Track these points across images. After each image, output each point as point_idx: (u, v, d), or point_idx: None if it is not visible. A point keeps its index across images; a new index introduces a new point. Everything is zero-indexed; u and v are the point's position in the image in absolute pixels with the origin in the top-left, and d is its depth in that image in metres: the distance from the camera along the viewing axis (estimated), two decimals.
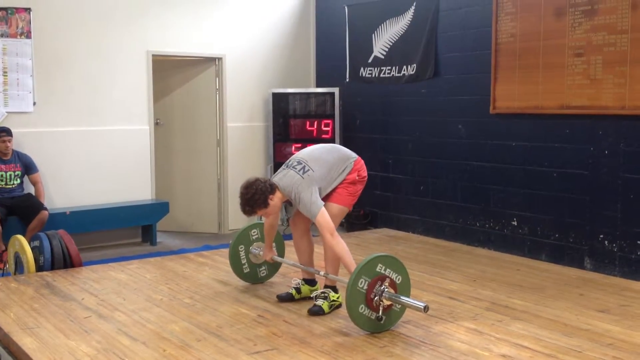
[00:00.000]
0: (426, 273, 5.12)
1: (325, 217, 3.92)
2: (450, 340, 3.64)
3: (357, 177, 4.23)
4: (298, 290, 4.38)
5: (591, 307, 4.26)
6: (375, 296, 3.70)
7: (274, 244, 4.63)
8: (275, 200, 4.05)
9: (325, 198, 4.12)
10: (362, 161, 4.34)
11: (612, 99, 5.23)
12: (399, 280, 3.80)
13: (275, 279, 4.88)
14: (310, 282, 4.42)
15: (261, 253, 4.64)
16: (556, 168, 5.68)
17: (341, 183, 4.18)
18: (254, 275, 4.77)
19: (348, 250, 3.92)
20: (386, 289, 3.71)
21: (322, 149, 4.30)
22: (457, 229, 6.58)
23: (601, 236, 5.36)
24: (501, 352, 3.48)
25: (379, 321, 3.73)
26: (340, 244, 3.92)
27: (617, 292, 4.66)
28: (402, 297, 3.76)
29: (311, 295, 4.26)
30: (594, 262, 5.41)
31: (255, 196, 3.99)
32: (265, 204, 4.01)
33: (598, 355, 3.43)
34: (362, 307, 3.70)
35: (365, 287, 3.68)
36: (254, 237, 4.74)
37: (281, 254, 4.80)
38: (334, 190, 4.17)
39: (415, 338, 3.68)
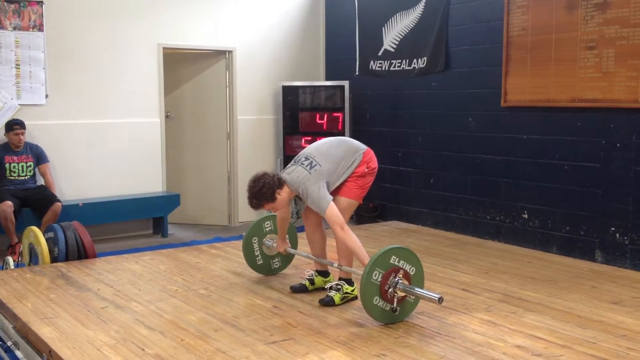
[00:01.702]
0: (438, 265, 5.15)
1: (334, 212, 3.94)
2: (465, 331, 3.66)
3: (366, 170, 4.22)
4: (311, 281, 4.41)
5: (604, 299, 4.28)
6: (389, 288, 3.72)
7: (286, 236, 4.66)
8: (283, 195, 4.07)
9: (335, 192, 4.14)
10: (372, 152, 4.33)
11: (624, 92, 5.23)
12: (412, 271, 3.82)
13: (288, 270, 4.91)
14: (324, 273, 4.45)
15: (274, 245, 4.67)
16: (568, 161, 5.69)
17: (350, 176, 4.18)
18: (267, 266, 4.80)
19: (360, 243, 3.95)
20: (400, 281, 3.74)
21: (330, 142, 4.29)
22: (467, 221, 6.59)
23: (612, 229, 5.37)
24: (516, 342, 3.50)
25: (393, 312, 3.76)
26: (351, 237, 3.94)
27: (630, 284, 4.68)
28: (416, 289, 3.79)
29: (325, 287, 4.29)
30: (605, 254, 5.43)
31: (262, 190, 4.01)
32: (272, 198, 4.03)
33: (612, 347, 3.46)
34: (376, 299, 3.72)
35: (379, 279, 3.71)
36: (267, 229, 4.77)
37: (294, 245, 4.83)
38: (343, 183, 4.18)
39: (430, 329, 3.71)
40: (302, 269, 4.88)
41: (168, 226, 7.33)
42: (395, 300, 3.74)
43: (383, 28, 7.46)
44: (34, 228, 5.29)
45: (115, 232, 7.14)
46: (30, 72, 6.58)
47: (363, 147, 4.31)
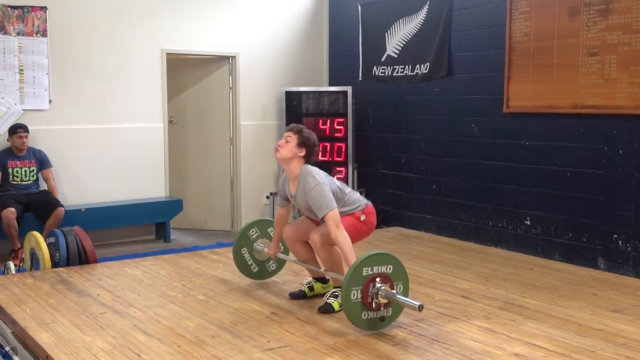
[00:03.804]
0: (439, 272, 5.13)
1: (335, 213, 3.91)
2: (463, 339, 3.65)
3: (362, 218, 4.17)
4: (310, 288, 4.40)
5: (605, 307, 4.25)
6: (372, 299, 3.68)
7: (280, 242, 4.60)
8: (296, 150, 4.03)
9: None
10: (374, 209, 4.29)
11: (626, 99, 5.21)
12: (389, 270, 3.76)
13: (288, 277, 4.90)
14: (323, 280, 4.44)
15: (265, 249, 4.62)
16: (570, 167, 5.67)
17: (348, 214, 4.12)
18: (264, 271, 4.78)
19: (351, 244, 3.88)
20: (381, 287, 3.68)
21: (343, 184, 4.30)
22: (469, 228, 6.57)
23: (615, 236, 5.34)
24: (514, 351, 3.48)
25: (381, 321, 3.74)
26: (344, 235, 3.88)
27: (631, 292, 4.65)
28: (397, 296, 3.72)
29: (323, 295, 4.27)
30: (607, 262, 5.40)
31: (308, 134, 4.06)
32: (304, 143, 4.02)
33: (611, 355, 3.43)
34: (364, 314, 3.70)
35: (359, 297, 3.67)
36: (253, 237, 4.72)
37: (286, 251, 4.79)
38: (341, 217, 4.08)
39: (428, 336, 3.69)
40: (302, 275, 4.87)
41: (170, 231, 7.34)
42: (382, 307, 3.70)
43: (386, 34, 7.46)
44: (35, 233, 5.30)
45: (117, 237, 7.16)
46: (33, 77, 6.61)
47: (366, 201, 4.28)
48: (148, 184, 7.34)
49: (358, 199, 4.22)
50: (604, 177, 5.41)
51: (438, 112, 6.93)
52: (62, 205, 6.34)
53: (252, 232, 4.74)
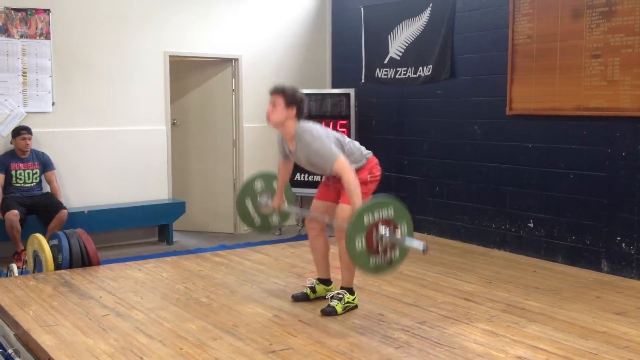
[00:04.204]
0: (442, 274, 5.12)
1: (344, 162, 3.89)
2: (466, 342, 3.64)
3: (369, 177, 4.16)
4: (313, 289, 4.39)
5: (608, 310, 4.24)
6: (377, 245, 3.68)
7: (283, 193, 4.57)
8: (288, 113, 3.99)
9: (338, 199, 4.12)
10: (376, 160, 4.28)
11: (629, 101, 5.20)
12: (390, 213, 3.75)
13: (291, 279, 4.90)
14: (325, 281, 4.43)
15: (269, 202, 4.56)
16: (573, 170, 5.65)
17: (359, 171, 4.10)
18: (266, 224, 4.69)
19: (359, 189, 3.86)
20: (384, 233, 3.68)
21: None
22: (472, 230, 6.56)
23: (618, 238, 5.33)
24: (517, 354, 3.48)
25: (389, 264, 3.76)
26: (355, 181, 3.86)
27: (635, 294, 4.64)
28: (401, 240, 3.73)
29: (326, 296, 4.27)
30: (611, 264, 5.38)
31: (292, 90, 4.02)
32: (286, 100, 3.98)
33: (614, 358, 3.43)
34: (372, 261, 3.70)
35: (364, 245, 3.65)
36: (257, 189, 4.64)
37: (289, 202, 4.70)
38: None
39: (431, 339, 3.68)
40: (305, 277, 4.87)
41: (173, 233, 7.34)
42: (388, 250, 3.71)
43: (389, 36, 7.45)
44: (38, 235, 5.31)
45: (120, 240, 7.16)
46: (37, 79, 6.62)
47: (367, 152, 4.25)
48: (151, 186, 7.34)
49: (359, 150, 4.18)
50: (607, 180, 5.40)
51: (441, 114, 6.92)
52: (65, 208, 6.35)
53: (257, 183, 4.65)
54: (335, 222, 4.08)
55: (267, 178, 4.68)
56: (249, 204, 4.62)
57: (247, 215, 4.64)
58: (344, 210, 4.02)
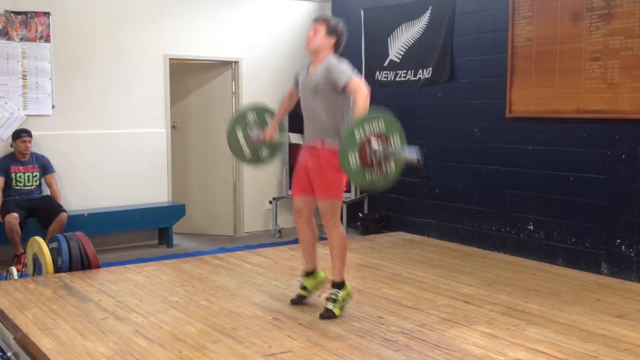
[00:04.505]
0: (441, 277, 5.12)
1: (360, 82, 3.93)
2: (465, 345, 3.64)
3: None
4: (305, 288, 4.39)
5: (608, 313, 4.24)
6: (371, 159, 3.69)
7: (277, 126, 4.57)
8: (326, 40, 4.10)
9: (320, 192, 4.12)
10: None
11: (629, 103, 5.20)
12: (381, 125, 3.74)
13: (291, 281, 4.89)
14: (311, 274, 4.40)
15: (260, 135, 4.56)
16: (573, 172, 5.65)
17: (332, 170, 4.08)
18: (256, 156, 4.69)
19: (368, 98, 3.90)
20: (377, 146, 3.68)
21: None
22: (472, 232, 6.56)
23: (618, 241, 5.32)
24: (516, 356, 3.47)
25: (385, 178, 3.78)
26: (366, 93, 3.89)
27: (634, 297, 4.64)
28: (395, 151, 3.73)
29: (320, 298, 4.23)
30: (610, 267, 5.38)
31: (335, 21, 4.15)
32: (333, 31, 4.09)
33: None
34: (368, 176, 3.72)
35: (358, 161, 3.67)
36: (250, 120, 4.63)
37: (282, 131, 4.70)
38: (328, 180, 4.07)
39: (430, 342, 3.68)
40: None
41: (173, 236, 7.34)
42: (383, 164, 3.72)
43: (389, 39, 7.46)
44: (38, 238, 5.31)
45: (120, 242, 7.16)
46: (36, 82, 6.63)
47: None
48: (151, 189, 7.34)
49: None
50: (607, 182, 5.40)
51: (441, 117, 6.92)
52: (64, 211, 6.34)
53: (249, 115, 4.64)
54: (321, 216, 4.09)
55: (260, 110, 4.67)
56: (240, 134, 4.60)
57: (237, 146, 4.63)
58: (325, 208, 4.06)
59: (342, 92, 4.00)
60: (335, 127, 4.06)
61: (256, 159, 4.72)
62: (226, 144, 7.80)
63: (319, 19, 4.20)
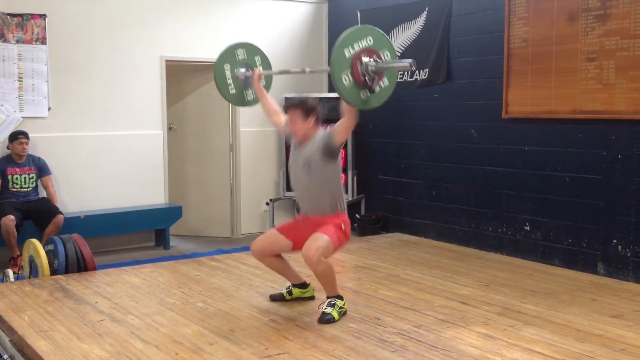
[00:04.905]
0: (438, 278, 5.12)
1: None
2: (462, 345, 3.63)
3: (343, 227, 4.12)
4: (289, 292, 4.42)
5: (604, 313, 4.24)
6: (364, 76, 3.68)
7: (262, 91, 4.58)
8: (309, 123, 4.07)
9: (298, 238, 4.12)
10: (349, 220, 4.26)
11: (625, 104, 5.21)
12: (370, 42, 3.73)
13: (287, 283, 4.87)
14: (301, 285, 4.43)
15: (249, 74, 4.58)
16: (569, 173, 5.66)
17: (335, 215, 4.12)
18: (240, 97, 4.71)
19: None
20: (368, 61, 3.67)
21: None
22: (469, 233, 6.56)
23: (614, 241, 5.33)
24: (513, 357, 3.47)
25: (380, 94, 3.78)
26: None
27: (631, 297, 4.64)
28: (387, 64, 3.72)
29: (319, 309, 4.21)
30: (607, 267, 5.38)
31: (313, 104, 4.10)
32: (308, 112, 4.05)
33: None
34: (362, 94, 3.71)
35: (351, 79, 3.65)
36: (239, 57, 4.61)
37: (267, 85, 4.73)
38: (324, 224, 4.07)
39: (427, 343, 3.68)
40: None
41: (170, 238, 7.33)
42: (376, 80, 3.71)
43: None
44: (34, 241, 5.30)
45: (117, 244, 7.15)
46: (33, 84, 6.62)
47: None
48: (147, 190, 7.33)
49: (344, 198, 4.26)
50: (603, 182, 5.41)
51: (437, 118, 6.93)
52: (61, 213, 6.34)
53: (239, 52, 4.62)
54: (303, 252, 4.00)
55: (250, 50, 4.66)
56: (227, 70, 4.59)
57: (224, 82, 4.62)
58: (320, 244, 3.93)
59: (337, 142, 4.00)
60: (332, 198, 4.10)
61: (240, 100, 4.73)
62: (222, 145, 7.89)
63: (289, 107, 4.13)
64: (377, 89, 3.75)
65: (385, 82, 3.79)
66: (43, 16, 6.62)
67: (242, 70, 4.62)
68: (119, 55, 7.09)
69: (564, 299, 4.57)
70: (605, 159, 5.38)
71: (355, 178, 7.60)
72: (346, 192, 7.58)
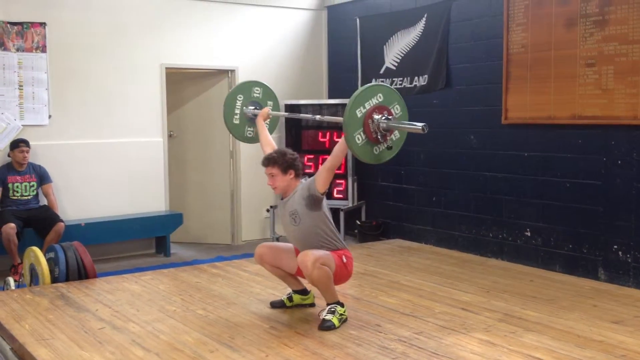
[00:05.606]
0: (439, 284, 5.12)
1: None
2: (463, 352, 3.63)
3: (344, 260, 4.13)
4: (290, 298, 4.43)
5: (605, 319, 4.23)
6: (376, 134, 3.73)
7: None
8: (289, 178, 4.06)
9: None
10: (351, 255, 4.26)
11: (624, 109, 5.22)
12: (380, 98, 3.78)
13: (287, 290, 4.88)
14: (302, 292, 4.44)
15: (255, 113, 4.74)
16: (569, 178, 5.66)
17: (337, 250, 4.12)
18: (241, 130, 4.84)
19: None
20: (380, 119, 3.72)
21: None
22: (469, 239, 6.56)
23: (615, 247, 5.33)
24: None
25: (389, 149, 3.83)
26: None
27: (632, 303, 4.63)
28: (398, 124, 3.79)
29: (320, 316, 4.21)
30: (608, 272, 5.38)
31: (291, 157, 4.08)
32: (285, 168, 4.04)
33: None
34: (375, 150, 3.78)
35: (364, 138, 3.72)
36: (254, 95, 4.74)
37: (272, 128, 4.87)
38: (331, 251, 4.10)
39: (428, 349, 3.67)
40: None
41: (171, 245, 7.33)
42: (388, 135, 3.77)
43: (384, 46, 7.48)
44: (35, 248, 5.30)
45: (118, 252, 7.15)
46: (33, 93, 6.63)
47: (344, 244, 4.26)
48: (148, 198, 7.34)
49: (339, 236, 4.25)
50: (603, 188, 5.41)
51: (437, 124, 6.90)
52: (62, 220, 6.34)
53: (256, 90, 4.79)
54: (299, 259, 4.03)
55: (267, 92, 4.82)
56: (239, 101, 4.73)
57: (231, 111, 4.74)
58: (320, 255, 3.95)
59: (319, 192, 3.98)
60: (326, 241, 4.10)
61: (240, 132, 4.87)
62: (223, 151, 7.89)
63: (268, 162, 4.11)
64: (388, 143, 3.81)
65: (396, 135, 3.85)
66: (43, 24, 6.64)
67: (251, 107, 4.74)
68: (119, 63, 7.11)
69: (565, 304, 4.57)
70: (605, 165, 5.39)
71: (355, 184, 7.60)
72: (346, 199, 7.63)
